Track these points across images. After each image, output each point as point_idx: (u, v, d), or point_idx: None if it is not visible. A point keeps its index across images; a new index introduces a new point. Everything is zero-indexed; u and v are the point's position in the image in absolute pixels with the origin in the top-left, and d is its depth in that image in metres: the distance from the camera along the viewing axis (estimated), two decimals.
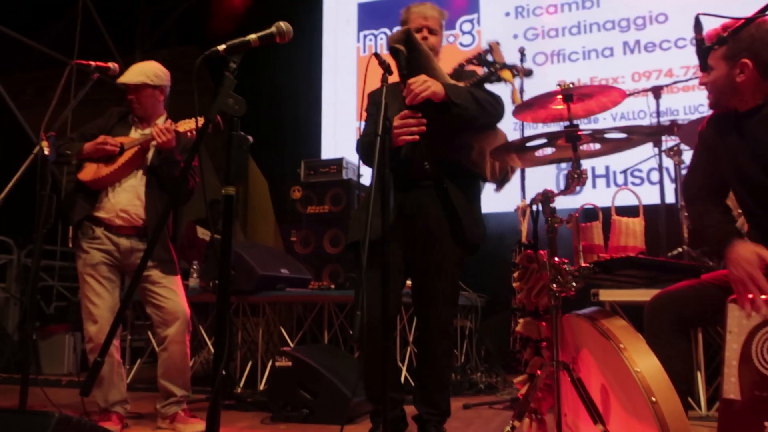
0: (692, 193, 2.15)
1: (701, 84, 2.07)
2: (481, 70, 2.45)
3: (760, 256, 1.80)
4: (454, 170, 2.45)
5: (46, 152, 2.68)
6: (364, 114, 2.64)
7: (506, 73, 2.32)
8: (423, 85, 2.21)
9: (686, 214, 2.35)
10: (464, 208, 2.46)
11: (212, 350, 4.56)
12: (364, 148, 2.52)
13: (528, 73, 2.40)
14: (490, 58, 2.45)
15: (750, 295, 1.77)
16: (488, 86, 2.43)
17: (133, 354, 4.75)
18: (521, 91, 2.39)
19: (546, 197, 1.93)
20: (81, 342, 5.08)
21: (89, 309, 2.97)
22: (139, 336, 5.11)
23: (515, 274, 2.10)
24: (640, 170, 4.99)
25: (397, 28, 2.42)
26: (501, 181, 2.55)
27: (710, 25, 1.77)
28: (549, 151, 2.10)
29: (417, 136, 2.25)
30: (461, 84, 2.37)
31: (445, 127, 2.31)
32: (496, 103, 2.41)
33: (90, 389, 1.54)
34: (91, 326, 2.96)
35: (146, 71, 3.11)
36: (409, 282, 2.67)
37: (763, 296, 1.76)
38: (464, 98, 2.29)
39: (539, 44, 5.60)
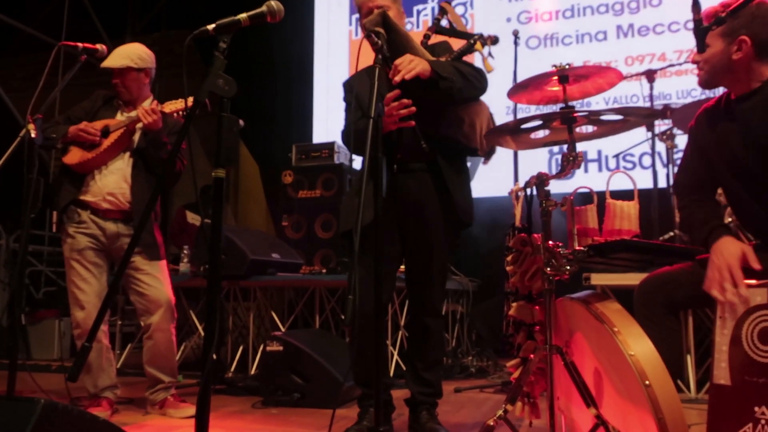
0: (683, 189, 2.14)
1: (693, 62, 2.04)
2: (440, 38, 2.48)
3: (744, 252, 1.79)
4: (447, 147, 2.45)
5: (33, 135, 2.64)
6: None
7: (477, 45, 2.37)
8: (410, 64, 2.19)
9: (677, 209, 2.34)
10: (457, 187, 2.47)
11: (203, 335, 4.54)
12: (351, 136, 2.49)
13: (495, 40, 2.40)
14: (445, 22, 2.47)
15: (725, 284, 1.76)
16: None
17: (124, 339, 4.72)
18: (490, 55, 2.39)
19: (541, 180, 1.91)
20: (70, 327, 5.04)
21: (76, 295, 2.94)
22: (130, 321, 5.08)
23: (509, 258, 2.08)
24: (632, 154, 4.98)
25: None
26: (489, 153, 2.56)
27: (708, 5, 1.74)
28: (543, 133, 2.08)
29: (413, 122, 2.22)
30: (442, 59, 2.36)
31: (434, 104, 2.30)
32: (480, 75, 2.41)
33: (77, 375, 1.51)
34: (78, 312, 2.93)
35: (130, 54, 3.06)
36: (402, 266, 2.66)
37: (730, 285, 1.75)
38: (450, 72, 2.30)
39: (532, 28, 5.57)
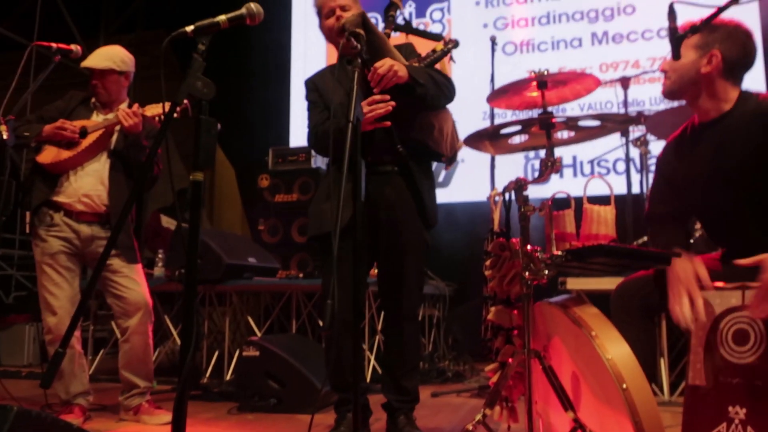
0: (652, 218, 2.18)
1: (662, 69, 2.05)
2: (401, 38, 2.51)
3: (695, 271, 1.82)
4: (416, 151, 2.45)
5: (5, 136, 2.59)
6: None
7: (439, 45, 2.45)
8: (391, 70, 2.19)
9: (648, 234, 2.38)
10: (425, 189, 2.49)
11: (178, 340, 4.49)
12: (321, 137, 2.47)
13: (456, 44, 2.46)
14: (399, 18, 2.54)
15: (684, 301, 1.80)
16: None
17: (96, 344, 4.65)
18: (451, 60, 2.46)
19: (519, 185, 1.92)
20: (41, 333, 4.95)
21: (48, 300, 2.88)
22: (102, 326, 5.01)
23: (487, 263, 2.09)
24: (606, 160, 5.05)
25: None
26: (451, 160, 2.59)
27: (684, 14, 1.77)
28: (521, 138, 2.10)
29: (389, 122, 2.22)
30: (414, 63, 2.38)
31: (406, 108, 2.30)
32: (450, 83, 2.44)
33: (51, 381, 1.49)
34: (50, 317, 2.87)
35: (112, 56, 3.03)
36: (374, 270, 2.65)
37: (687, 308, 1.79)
38: (425, 79, 2.31)
39: (509, 34, 5.61)
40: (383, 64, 2.19)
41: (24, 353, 5.03)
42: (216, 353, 4.40)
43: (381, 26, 2.60)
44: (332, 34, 2.51)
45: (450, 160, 2.60)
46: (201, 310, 4.46)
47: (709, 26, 1.88)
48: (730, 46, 1.94)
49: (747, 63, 1.98)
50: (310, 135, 2.55)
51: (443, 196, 5.43)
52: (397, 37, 2.61)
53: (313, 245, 4.61)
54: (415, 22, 5.88)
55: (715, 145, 1.98)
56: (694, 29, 1.71)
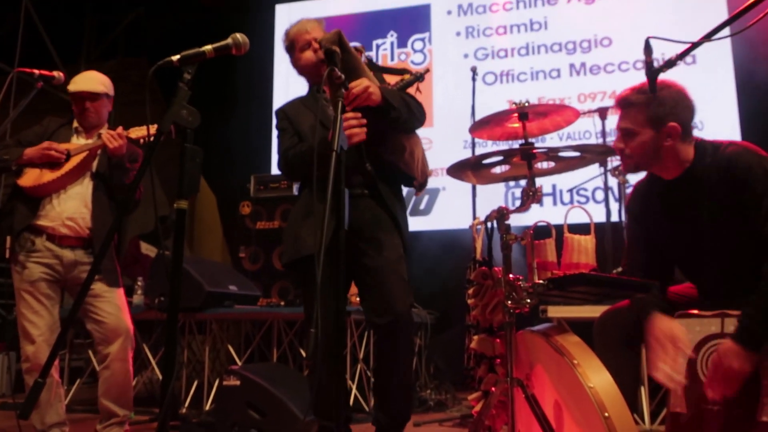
0: (629, 265, 2.22)
1: (616, 148, 2.06)
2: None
3: (674, 333, 1.85)
4: (387, 173, 2.45)
5: None
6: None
7: (406, 76, 2.50)
8: (366, 91, 2.21)
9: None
10: (398, 212, 2.47)
11: (156, 370, 4.42)
12: (291, 160, 2.45)
13: (422, 75, 2.50)
14: (364, 59, 2.51)
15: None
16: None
17: (72, 374, 4.56)
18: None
19: (501, 214, 1.94)
20: (15, 362, 4.85)
21: (26, 328, 2.83)
22: (78, 355, 4.92)
23: (470, 291, 2.10)
24: (585, 189, 5.11)
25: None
26: (422, 185, 2.59)
27: (660, 46, 1.81)
28: (503, 168, 2.13)
29: (363, 137, 2.22)
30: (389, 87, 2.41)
31: (379, 129, 2.31)
32: (421, 108, 2.47)
33: (30, 412, 1.47)
34: (29, 346, 2.82)
35: (102, 81, 3.06)
36: (356, 299, 2.62)
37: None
38: (399, 102, 2.33)
39: (489, 64, 5.70)
40: (358, 84, 2.20)
41: None
42: (195, 383, 4.33)
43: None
44: (310, 67, 2.53)
45: (421, 186, 2.60)
46: (179, 339, 4.40)
47: (655, 100, 1.95)
48: (681, 112, 1.99)
49: (692, 119, 2.04)
50: (280, 159, 2.54)
51: (425, 223, 5.46)
52: None
53: (295, 273, 4.62)
54: (396, 52, 5.96)
55: (681, 200, 2.04)
56: (669, 63, 1.75)
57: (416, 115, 2.41)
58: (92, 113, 3.02)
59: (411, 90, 2.53)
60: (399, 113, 2.32)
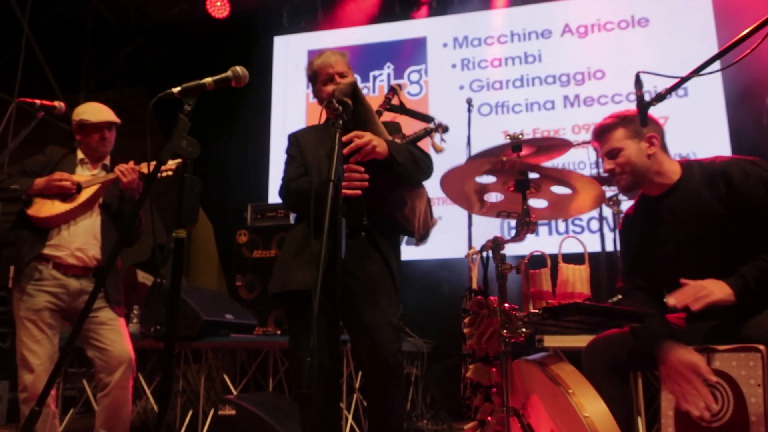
0: (626, 289, 2.25)
1: (607, 171, 2.16)
2: (391, 115, 2.59)
3: (697, 363, 1.86)
4: (385, 224, 2.46)
5: None
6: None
7: (432, 131, 2.51)
8: (370, 145, 2.22)
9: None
10: (391, 256, 2.46)
11: (151, 399, 4.39)
12: (293, 193, 2.46)
13: (446, 129, 2.51)
14: (395, 101, 2.59)
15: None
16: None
17: (66, 403, 4.52)
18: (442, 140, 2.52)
19: (497, 244, 1.96)
20: (9, 391, 4.81)
21: (26, 357, 2.81)
22: (72, 384, 4.88)
23: (466, 320, 2.12)
24: (580, 219, 5.15)
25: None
26: (422, 237, 2.59)
27: (650, 81, 1.86)
28: (498, 198, 2.16)
29: (359, 191, 2.23)
30: (397, 140, 2.42)
31: (381, 182, 2.32)
32: (429, 161, 2.48)
33: None
34: (27, 375, 2.80)
35: (112, 113, 3.11)
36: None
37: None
38: (405, 157, 2.34)
39: (484, 95, 5.78)
40: (363, 136, 2.22)
41: None
42: (190, 412, 4.30)
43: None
44: None
45: (421, 238, 2.61)
46: (175, 368, 4.38)
47: (624, 119, 2.13)
48: (653, 126, 2.12)
49: (663, 134, 2.16)
50: (282, 188, 2.55)
51: (421, 253, 5.46)
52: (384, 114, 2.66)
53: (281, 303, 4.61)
54: (393, 83, 6.04)
55: (671, 216, 2.08)
56: (658, 97, 1.80)
57: (423, 168, 2.42)
58: (109, 143, 3.09)
59: (431, 139, 2.53)
60: (403, 169, 2.32)
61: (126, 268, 5.60)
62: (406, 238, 2.65)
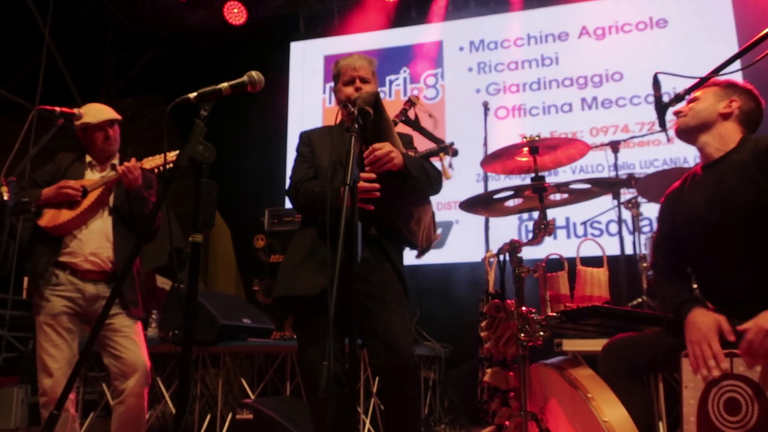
0: (657, 268, 2.22)
1: (677, 112, 2.16)
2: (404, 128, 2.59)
3: (718, 322, 1.85)
4: (393, 235, 2.46)
5: (6, 198, 2.62)
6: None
7: (443, 153, 2.49)
8: (388, 156, 2.23)
9: (654, 283, 2.43)
10: (400, 265, 2.46)
11: (170, 403, 4.41)
12: (303, 196, 2.45)
13: (455, 152, 2.49)
14: (411, 113, 2.59)
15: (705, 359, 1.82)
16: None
17: (86, 407, 4.56)
18: (450, 166, 2.51)
19: (513, 247, 1.95)
20: (30, 395, 4.86)
21: (45, 361, 2.84)
22: (92, 388, 4.92)
23: (483, 324, 2.10)
24: (599, 222, 5.10)
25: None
26: (425, 249, 2.59)
27: (667, 83, 1.84)
28: (514, 202, 2.14)
29: (372, 206, 2.23)
30: (411, 153, 2.42)
31: (393, 194, 2.32)
32: (440, 177, 2.49)
33: None
34: (46, 379, 2.82)
35: (112, 110, 3.12)
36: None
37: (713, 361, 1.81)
38: (418, 170, 2.35)
39: (501, 99, 5.75)
40: (382, 147, 2.23)
41: (12, 416, 4.92)
42: (208, 416, 4.32)
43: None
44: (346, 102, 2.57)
45: (423, 251, 2.61)
46: (193, 372, 4.40)
47: (728, 84, 2.12)
48: (747, 100, 2.11)
49: (759, 119, 2.14)
50: (291, 188, 2.54)
51: (438, 257, 5.46)
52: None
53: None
54: (409, 88, 6.04)
55: (717, 181, 2.05)
56: (677, 98, 1.78)
57: (433, 184, 2.44)
58: (114, 140, 3.09)
59: (442, 162, 2.53)
60: (416, 182, 2.34)
61: (145, 273, 5.64)
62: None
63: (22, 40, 6.66)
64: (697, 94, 2.16)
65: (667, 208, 2.23)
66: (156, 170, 2.95)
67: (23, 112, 2.86)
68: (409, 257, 2.60)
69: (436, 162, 2.53)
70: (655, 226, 2.32)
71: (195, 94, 1.79)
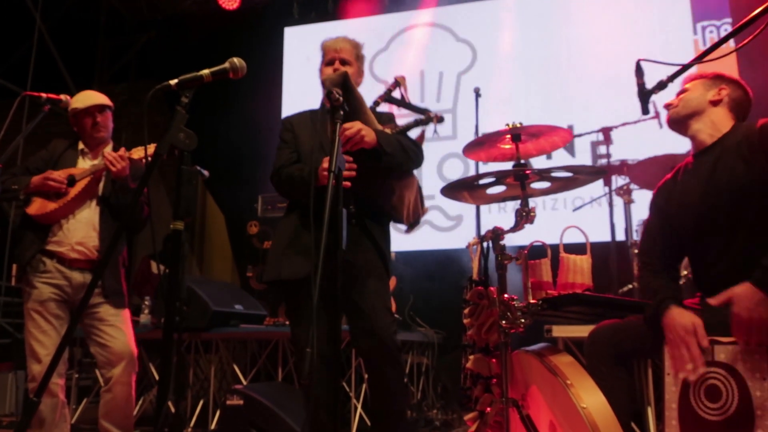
0: (642, 256, 2.23)
1: (668, 104, 2.19)
2: (388, 107, 2.58)
3: (694, 325, 1.86)
4: (374, 212, 2.47)
5: None
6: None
7: (426, 122, 2.48)
8: (358, 134, 2.23)
9: (639, 275, 2.43)
10: (383, 244, 2.47)
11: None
12: (285, 180, 2.47)
13: (441, 119, 2.48)
14: (397, 94, 2.56)
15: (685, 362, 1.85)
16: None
17: (80, 393, 4.58)
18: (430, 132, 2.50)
19: (496, 234, 1.95)
20: (24, 381, 4.88)
21: (34, 348, 2.85)
22: (87, 374, 4.95)
23: (466, 311, 2.11)
24: (591, 206, 5.09)
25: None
26: (413, 224, 2.59)
27: (650, 71, 1.84)
28: (501, 189, 2.14)
29: (348, 183, 2.21)
30: (387, 130, 2.42)
31: (370, 171, 2.32)
32: (419, 150, 2.48)
33: (24, 430, 1.48)
34: (35, 365, 2.84)
35: (101, 95, 3.10)
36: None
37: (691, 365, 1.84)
38: (393, 147, 2.35)
39: (494, 84, 5.73)
40: (351, 127, 2.22)
41: (6, 402, 4.95)
42: (201, 402, 4.34)
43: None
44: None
45: (411, 226, 2.61)
46: (186, 358, 4.42)
47: (716, 75, 2.15)
48: (736, 88, 2.13)
49: (748, 106, 2.16)
50: (273, 174, 2.55)
51: (434, 242, 5.47)
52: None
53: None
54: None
55: (711, 166, 2.06)
56: (660, 85, 1.78)
57: (411, 158, 2.43)
58: (102, 127, 3.07)
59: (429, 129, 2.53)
60: (391, 159, 2.33)
61: (140, 260, 5.65)
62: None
63: (13, 24, 6.61)
64: (686, 86, 2.18)
65: (660, 200, 2.24)
66: (144, 161, 2.93)
67: (14, 98, 2.84)
68: (407, 244, 2.61)
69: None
70: (646, 213, 2.32)
71: (176, 81, 1.79)
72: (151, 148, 2.74)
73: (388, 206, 2.46)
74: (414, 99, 2.71)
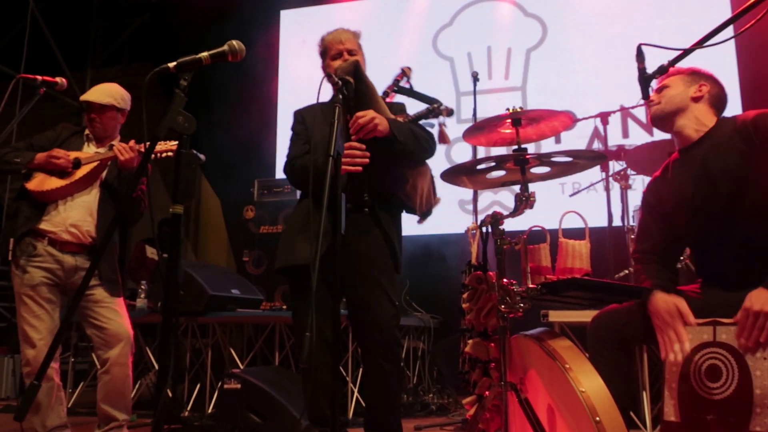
0: (638, 258, 2.24)
1: (649, 100, 2.17)
2: (393, 97, 2.58)
3: (676, 305, 1.89)
4: (387, 201, 2.48)
5: None
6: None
7: (436, 113, 2.46)
8: (372, 123, 2.24)
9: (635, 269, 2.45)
10: (393, 233, 2.47)
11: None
12: (297, 170, 2.48)
13: (450, 112, 2.48)
14: (404, 83, 2.56)
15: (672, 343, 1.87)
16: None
17: (76, 377, 4.58)
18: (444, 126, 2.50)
19: (495, 219, 1.95)
20: (20, 365, 4.89)
21: (27, 332, 2.85)
22: (83, 358, 4.95)
23: (464, 295, 2.11)
24: (588, 191, 5.09)
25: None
26: (425, 214, 2.59)
27: (652, 56, 1.83)
28: (501, 173, 2.13)
29: (360, 168, 2.25)
30: (400, 119, 2.42)
31: (383, 160, 2.33)
32: (431, 140, 2.49)
33: (25, 414, 1.48)
34: (29, 350, 2.84)
35: (113, 93, 3.07)
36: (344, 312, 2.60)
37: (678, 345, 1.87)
38: (406, 135, 2.35)
39: (493, 66, 5.71)
40: (365, 115, 2.23)
41: (2, 386, 4.96)
42: (198, 386, 4.35)
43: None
44: None
45: (424, 215, 2.61)
46: (183, 342, 4.43)
47: (693, 71, 2.17)
48: (714, 84, 2.16)
49: (725, 101, 2.18)
50: (287, 165, 2.57)
51: (431, 227, 5.44)
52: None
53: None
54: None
55: (702, 159, 2.07)
56: (660, 69, 1.77)
57: (424, 146, 2.44)
58: (97, 124, 3.05)
59: (439, 125, 2.52)
60: (404, 147, 2.34)
61: (135, 244, 5.64)
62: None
63: (6, 6, 6.53)
64: (665, 82, 2.20)
65: (652, 198, 2.25)
66: (156, 155, 2.91)
67: (8, 81, 2.82)
68: (416, 227, 2.61)
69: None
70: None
71: (174, 63, 1.77)
72: (171, 144, 2.75)
73: (402, 195, 2.46)
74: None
